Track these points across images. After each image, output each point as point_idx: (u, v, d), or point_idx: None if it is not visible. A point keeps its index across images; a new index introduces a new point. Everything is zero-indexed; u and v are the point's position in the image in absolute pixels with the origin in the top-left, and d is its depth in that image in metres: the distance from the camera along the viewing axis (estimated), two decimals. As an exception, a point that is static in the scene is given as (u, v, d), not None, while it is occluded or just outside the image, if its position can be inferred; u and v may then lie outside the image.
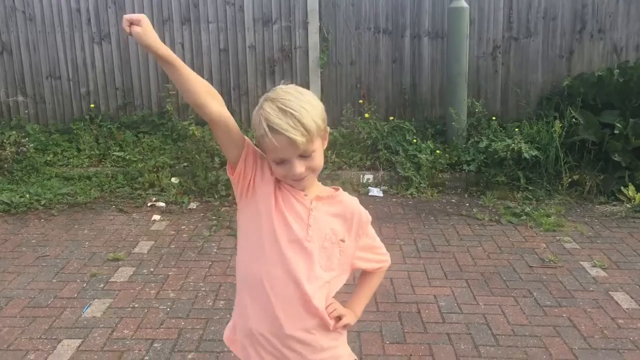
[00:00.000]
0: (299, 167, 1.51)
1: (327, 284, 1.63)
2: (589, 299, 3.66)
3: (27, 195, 5.21)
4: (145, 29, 1.42)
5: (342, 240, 1.64)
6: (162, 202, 5.32)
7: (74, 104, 6.60)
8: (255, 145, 1.59)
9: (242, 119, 6.60)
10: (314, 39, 6.46)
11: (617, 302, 3.62)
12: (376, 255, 1.78)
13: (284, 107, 1.47)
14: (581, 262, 4.19)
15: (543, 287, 3.81)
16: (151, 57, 6.33)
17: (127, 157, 6.00)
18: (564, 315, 3.47)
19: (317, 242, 1.59)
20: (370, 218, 1.73)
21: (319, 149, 1.55)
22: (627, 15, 6.34)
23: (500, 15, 6.36)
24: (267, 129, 1.47)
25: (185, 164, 5.88)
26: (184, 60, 5.52)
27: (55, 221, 4.93)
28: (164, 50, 1.46)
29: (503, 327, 3.33)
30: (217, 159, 5.72)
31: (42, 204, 5.17)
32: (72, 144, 6.25)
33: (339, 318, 1.67)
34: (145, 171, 5.70)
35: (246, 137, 1.59)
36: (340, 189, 1.70)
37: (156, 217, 5.01)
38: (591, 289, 3.80)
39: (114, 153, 6.05)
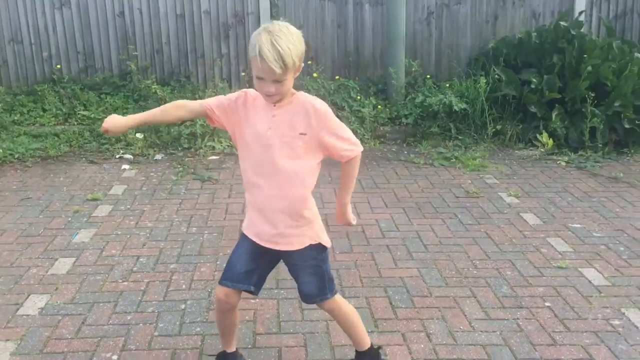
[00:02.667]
0: (271, 87, 2.05)
1: (297, 169, 2.17)
2: (503, 218, 4.42)
3: (0, 150, 5.57)
4: (115, 129, 2.20)
5: (303, 134, 2.14)
6: (129, 154, 5.79)
7: (36, 67, 6.90)
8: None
9: (199, 80, 7.07)
10: (264, 5, 6.96)
11: (525, 220, 4.38)
12: (342, 142, 2.18)
13: (274, 43, 1.96)
14: (499, 193, 4.95)
15: (466, 211, 4.54)
16: (111, 22, 6.77)
17: (91, 116, 6.39)
18: (482, 230, 4.20)
19: (276, 137, 2.13)
20: (326, 108, 2.17)
21: (290, 78, 2.06)
22: (544, -16, 7.13)
23: (434, -16, 7.04)
24: (258, 55, 1.98)
25: (148, 121, 6.32)
26: (142, 26, 6.16)
27: (31, 171, 5.34)
28: (139, 119, 2.28)
29: (432, 239, 4.04)
30: (178, 116, 6.19)
31: (15, 157, 5.56)
32: (37, 104, 6.57)
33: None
34: (111, 128, 6.11)
35: (206, 104, 2.24)
36: (297, 92, 2.18)
37: (126, 166, 5.49)
38: (505, 211, 4.56)
39: (79, 112, 6.43)
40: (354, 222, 2.40)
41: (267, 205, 2.22)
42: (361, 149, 2.26)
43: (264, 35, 1.99)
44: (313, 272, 2.32)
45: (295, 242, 2.27)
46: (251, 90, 2.24)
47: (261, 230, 2.26)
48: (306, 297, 2.39)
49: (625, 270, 3.58)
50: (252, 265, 2.31)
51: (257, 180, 2.21)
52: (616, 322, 3.03)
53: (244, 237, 2.34)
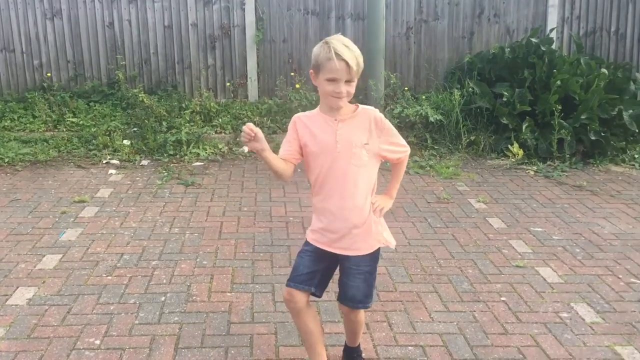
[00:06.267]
0: (343, 88, 2.24)
1: (364, 172, 2.38)
2: (470, 222, 4.67)
3: (-9, 154, 5.77)
4: (263, 145, 2.24)
5: (366, 144, 2.35)
6: (116, 160, 6.00)
7: (27, 75, 7.13)
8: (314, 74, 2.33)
9: (185, 90, 7.31)
10: (250, 18, 7.24)
11: (490, 224, 4.64)
12: (396, 147, 2.47)
13: (348, 45, 2.24)
14: (469, 199, 5.20)
15: (436, 216, 4.79)
16: (100, 32, 6.98)
17: (80, 123, 6.61)
18: (449, 232, 4.45)
19: (346, 149, 2.33)
20: (383, 117, 2.39)
21: (355, 82, 2.28)
22: (518, 2, 7.47)
23: (412, 0, 7.35)
24: (334, 55, 2.20)
25: (135, 129, 6.55)
26: (130, 36, 6.46)
27: (21, 175, 5.54)
28: (271, 158, 2.30)
29: (402, 241, 4.27)
30: (164, 123, 6.43)
31: (5, 161, 5.76)
32: (27, 111, 6.79)
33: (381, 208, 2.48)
34: (99, 134, 6.33)
35: (290, 158, 2.39)
36: (359, 105, 2.38)
37: (112, 171, 5.70)
38: (473, 216, 4.81)
39: (68, 119, 6.64)
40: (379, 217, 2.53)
41: (337, 212, 2.38)
42: (409, 150, 2.57)
43: (334, 42, 2.24)
44: (363, 279, 2.47)
45: (359, 248, 2.43)
46: (299, 114, 2.43)
47: (329, 237, 2.42)
48: (349, 301, 2.52)
49: (579, 269, 3.84)
50: (314, 268, 2.47)
51: (328, 189, 2.38)
52: (564, 314, 3.27)
53: (307, 243, 2.50)
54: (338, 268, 2.56)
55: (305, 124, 2.39)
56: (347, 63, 2.20)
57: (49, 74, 7.09)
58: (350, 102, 2.40)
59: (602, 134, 6.22)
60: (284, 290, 2.53)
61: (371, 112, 2.39)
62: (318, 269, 2.48)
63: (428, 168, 6.03)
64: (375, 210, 2.44)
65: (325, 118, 2.36)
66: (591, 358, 2.87)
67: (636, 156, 6.39)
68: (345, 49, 2.22)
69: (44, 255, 3.86)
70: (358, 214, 2.39)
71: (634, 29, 7.68)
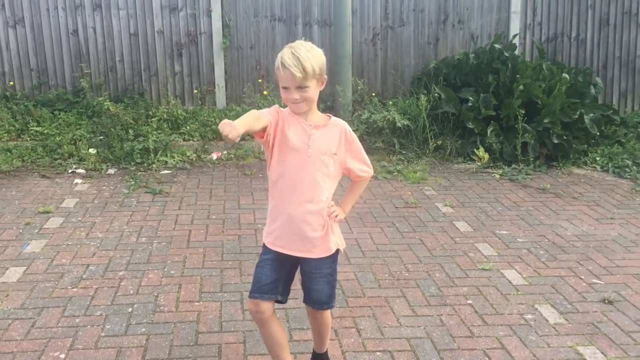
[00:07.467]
0: (295, 94, 2.26)
1: (327, 180, 2.41)
2: (437, 226, 4.73)
3: (-48, 165, 5.63)
4: (240, 134, 2.04)
5: (335, 154, 2.41)
6: (82, 169, 5.92)
7: (-12, 83, 6.98)
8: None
9: (152, 97, 7.25)
10: (217, 25, 7.22)
11: (457, 228, 4.71)
12: (362, 165, 2.53)
13: (294, 52, 2.23)
14: (436, 204, 5.27)
15: (404, 220, 4.84)
16: (64, 40, 6.89)
17: (45, 132, 6.49)
18: (417, 237, 4.50)
19: (316, 155, 2.37)
20: (353, 133, 2.48)
21: (313, 87, 2.28)
22: (481, 8, 7.61)
23: (378, 7, 7.44)
24: (280, 64, 2.24)
25: (101, 137, 6.47)
26: (95, 44, 6.40)
27: (-17, 186, 5.43)
28: (245, 129, 2.13)
29: (370, 246, 4.31)
30: (131, 132, 6.37)
31: (-33, 172, 5.63)
32: (-11, 120, 6.65)
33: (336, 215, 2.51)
34: (64, 143, 6.23)
35: (270, 117, 2.29)
36: (332, 116, 2.45)
37: (78, 180, 5.62)
38: (440, 220, 4.88)
39: (32, 128, 6.52)
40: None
41: (299, 214, 2.40)
42: (372, 172, 2.62)
43: (286, 49, 2.28)
44: (326, 281, 2.53)
45: (318, 251, 2.46)
46: (279, 107, 2.41)
47: (287, 240, 2.44)
48: (314, 303, 2.56)
49: (542, 271, 3.92)
50: (276, 276, 2.47)
51: (290, 191, 2.40)
52: (529, 316, 3.34)
53: (266, 249, 2.51)
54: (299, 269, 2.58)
55: (284, 117, 2.39)
56: (291, 72, 2.22)
57: (11, 83, 6.96)
58: (320, 111, 2.46)
59: (565, 138, 6.37)
60: (248, 302, 2.52)
61: (342, 124, 2.47)
62: (280, 277, 2.49)
63: (396, 173, 6.09)
64: (331, 215, 2.48)
65: (299, 120, 2.38)
66: (554, 359, 2.94)
67: (597, 158, 6.55)
68: (292, 57, 2.23)
69: (7, 268, 3.79)
70: (318, 218, 2.43)
71: (594, 35, 7.89)
